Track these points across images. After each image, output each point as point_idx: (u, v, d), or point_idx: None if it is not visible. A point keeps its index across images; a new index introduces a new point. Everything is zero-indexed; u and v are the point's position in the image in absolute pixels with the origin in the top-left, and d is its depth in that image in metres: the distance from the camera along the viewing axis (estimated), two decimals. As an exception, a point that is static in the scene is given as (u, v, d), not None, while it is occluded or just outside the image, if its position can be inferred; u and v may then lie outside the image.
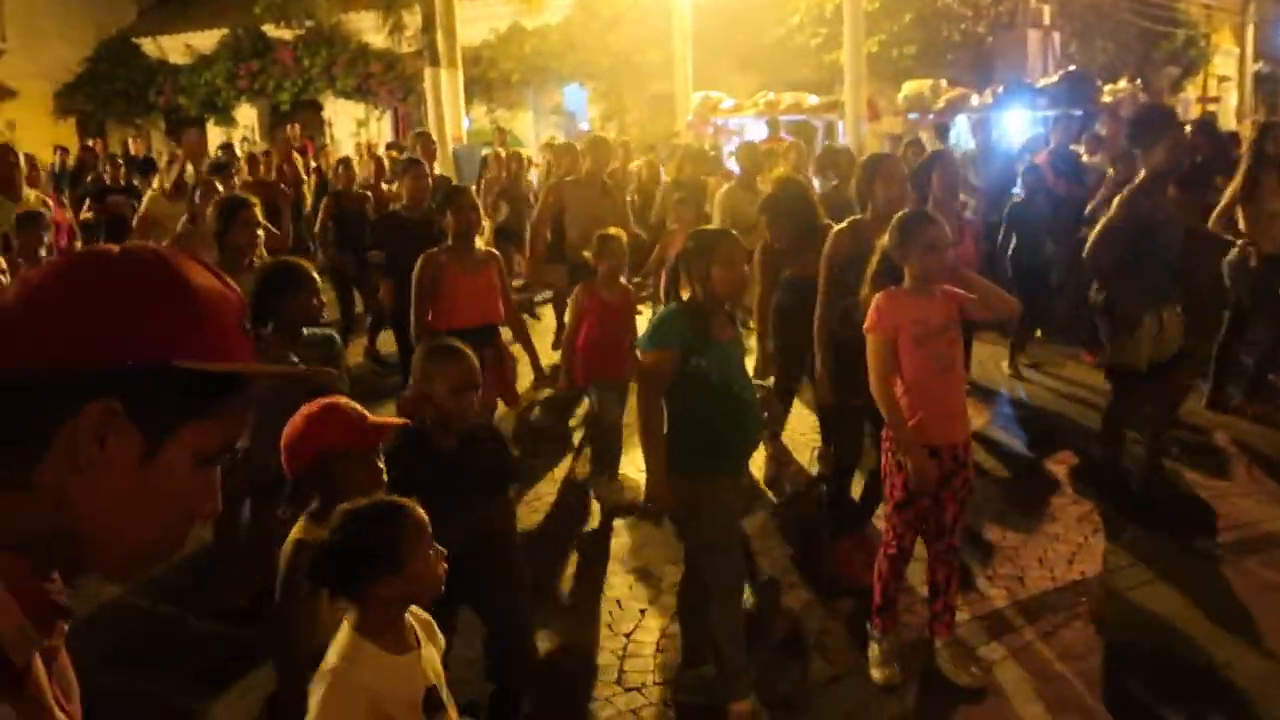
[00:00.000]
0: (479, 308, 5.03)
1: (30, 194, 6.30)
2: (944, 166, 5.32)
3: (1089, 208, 7.55)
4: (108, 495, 0.90)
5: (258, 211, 4.75)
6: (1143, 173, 5.20)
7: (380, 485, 2.50)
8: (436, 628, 2.15)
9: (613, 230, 5.44)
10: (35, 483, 0.88)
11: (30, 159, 7.24)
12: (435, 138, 15.35)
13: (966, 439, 3.79)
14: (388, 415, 2.88)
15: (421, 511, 2.04)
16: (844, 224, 4.73)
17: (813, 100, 13.70)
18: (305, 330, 3.88)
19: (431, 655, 2.07)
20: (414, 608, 2.08)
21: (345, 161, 9.60)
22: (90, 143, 16.10)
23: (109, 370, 0.89)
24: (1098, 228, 5.24)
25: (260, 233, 4.75)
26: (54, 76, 23.29)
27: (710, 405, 3.37)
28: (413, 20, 15.96)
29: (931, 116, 13.06)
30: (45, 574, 0.92)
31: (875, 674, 3.78)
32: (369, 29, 19.38)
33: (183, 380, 0.91)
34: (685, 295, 3.47)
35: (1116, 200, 5.25)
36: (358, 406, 2.52)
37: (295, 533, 2.48)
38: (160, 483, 0.93)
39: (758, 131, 14.08)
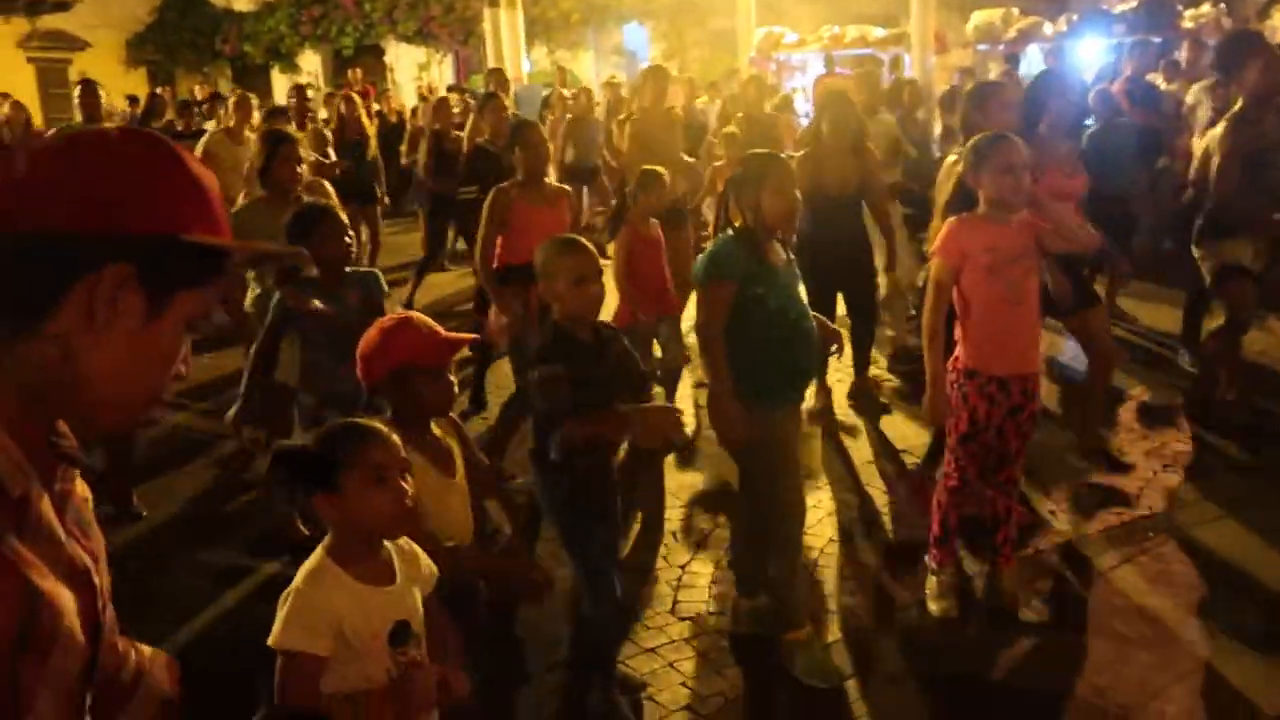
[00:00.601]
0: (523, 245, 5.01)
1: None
2: (1062, 89, 4.84)
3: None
4: (112, 350, 0.99)
5: (299, 147, 4.78)
6: (1240, 100, 5.00)
7: (452, 399, 2.57)
8: (424, 560, 2.14)
9: (659, 168, 5.37)
10: (45, 334, 0.96)
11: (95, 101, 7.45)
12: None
13: (1036, 372, 3.69)
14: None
15: (391, 441, 2.02)
16: None
17: (878, 33, 13.32)
18: (348, 269, 3.90)
19: (408, 589, 2.05)
20: (403, 541, 2.09)
21: (443, 102, 9.76)
22: (159, 90, 16.30)
23: (126, 237, 0.97)
24: (1215, 167, 5.02)
25: (303, 168, 4.75)
26: (124, 27, 23.59)
27: (768, 333, 3.30)
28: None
29: (1002, 47, 12.63)
30: (47, 421, 1.02)
31: (933, 607, 3.73)
32: (430, -29, 19.33)
33: (186, 252, 1.01)
34: (737, 223, 3.40)
35: (1220, 132, 5.03)
36: (430, 321, 2.56)
37: None
38: (155, 342, 1.03)
39: (820, 67, 13.79)
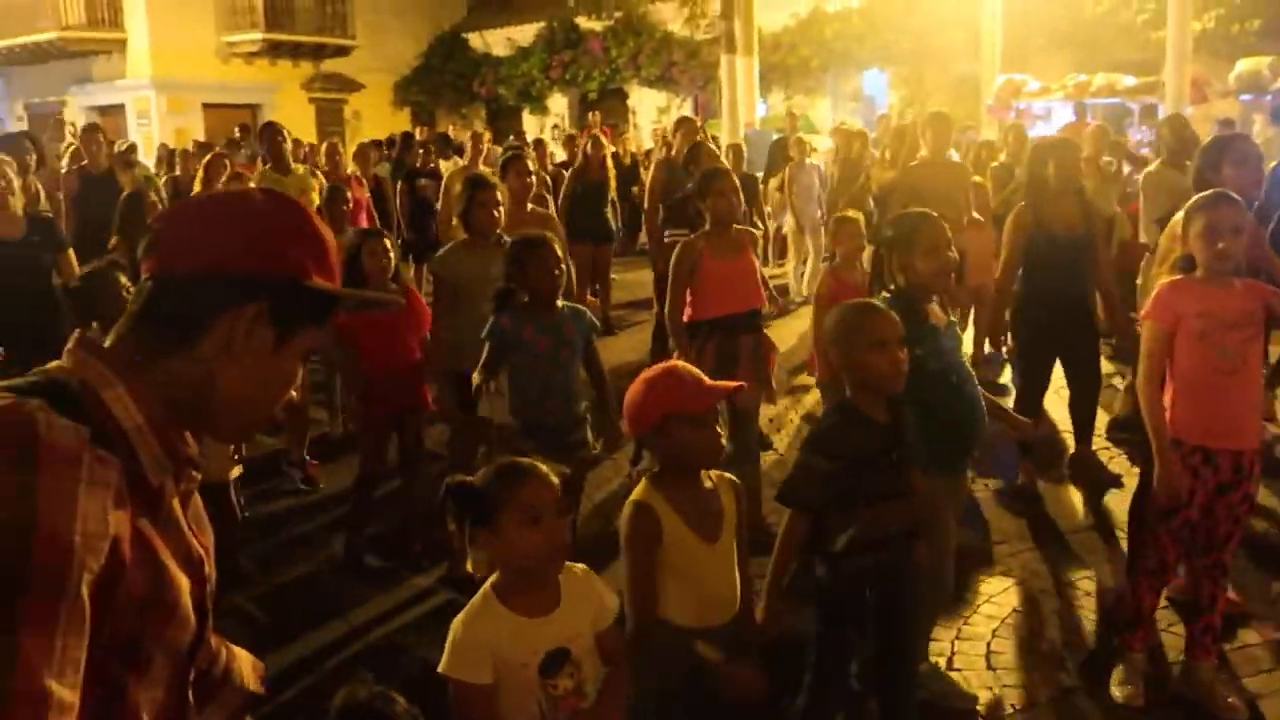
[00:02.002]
0: (740, 293, 4.87)
1: (298, 168, 7.16)
2: (1241, 149, 4.59)
3: None
4: (243, 372, 1.20)
5: (497, 194, 4.87)
6: None
7: (720, 448, 2.53)
8: (602, 592, 2.21)
9: (850, 212, 5.32)
10: (194, 355, 1.18)
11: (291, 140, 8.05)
12: (728, 123, 15.66)
13: (1253, 449, 3.42)
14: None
15: (548, 483, 2.09)
16: None
17: (1128, 81, 12.64)
18: (560, 303, 4.03)
19: (570, 618, 2.11)
20: (579, 568, 2.18)
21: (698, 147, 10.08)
22: (416, 130, 17.59)
23: (262, 280, 1.20)
24: None
25: (498, 213, 4.81)
26: (394, 70, 25.64)
27: (927, 397, 3.08)
28: (712, 8, 16.27)
29: (1269, 98, 11.70)
30: (182, 429, 1.21)
31: (1116, 692, 3.50)
32: (673, 19, 19.90)
33: (307, 295, 1.23)
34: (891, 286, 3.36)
35: None
36: (694, 370, 2.59)
37: (637, 494, 2.54)
38: (278, 368, 1.24)
39: (1064, 116, 13.22)
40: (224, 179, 6.99)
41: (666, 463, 2.51)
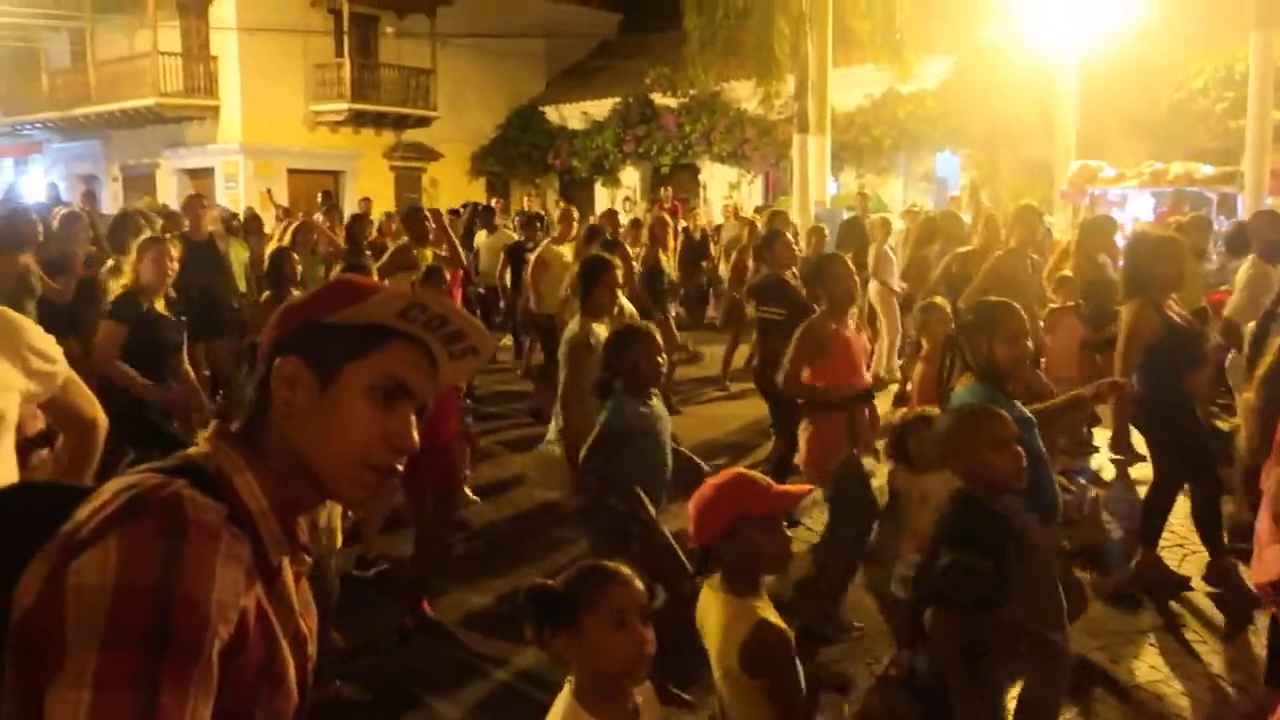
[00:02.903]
0: (860, 367, 5.03)
1: (427, 252, 7.40)
2: None
3: None
4: (306, 424, 1.26)
5: (618, 274, 5.02)
6: None
7: (789, 552, 2.52)
8: (657, 699, 2.20)
9: (938, 300, 5.33)
10: (271, 425, 1.27)
11: (435, 213, 8.34)
12: (799, 200, 15.80)
13: None
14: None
15: (633, 585, 2.08)
16: None
17: (1205, 170, 12.50)
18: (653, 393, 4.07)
19: None
20: (648, 686, 2.14)
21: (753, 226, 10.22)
22: (493, 201, 18.04)
23: (280, 340, 1.29)
24: None
25: (619, 292, 4.96)
26: (472, 141, 26.35)
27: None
28: (786, 89, 16.52)
29: (1356, 190, 11.49)
30: (295, 507, 1.28)
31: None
32: (746, 97, 20.21)
33: (331, 332, 1.27)
34: (962, 377, 3.37)
35: None
36: (762, 476, 2.55)
37: (708, 600, 2.51)
38: (338, 411, 1.26)
39: (1141, 204, 13.09)
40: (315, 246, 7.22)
41: (736, 568, 2.46)
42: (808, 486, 2.64)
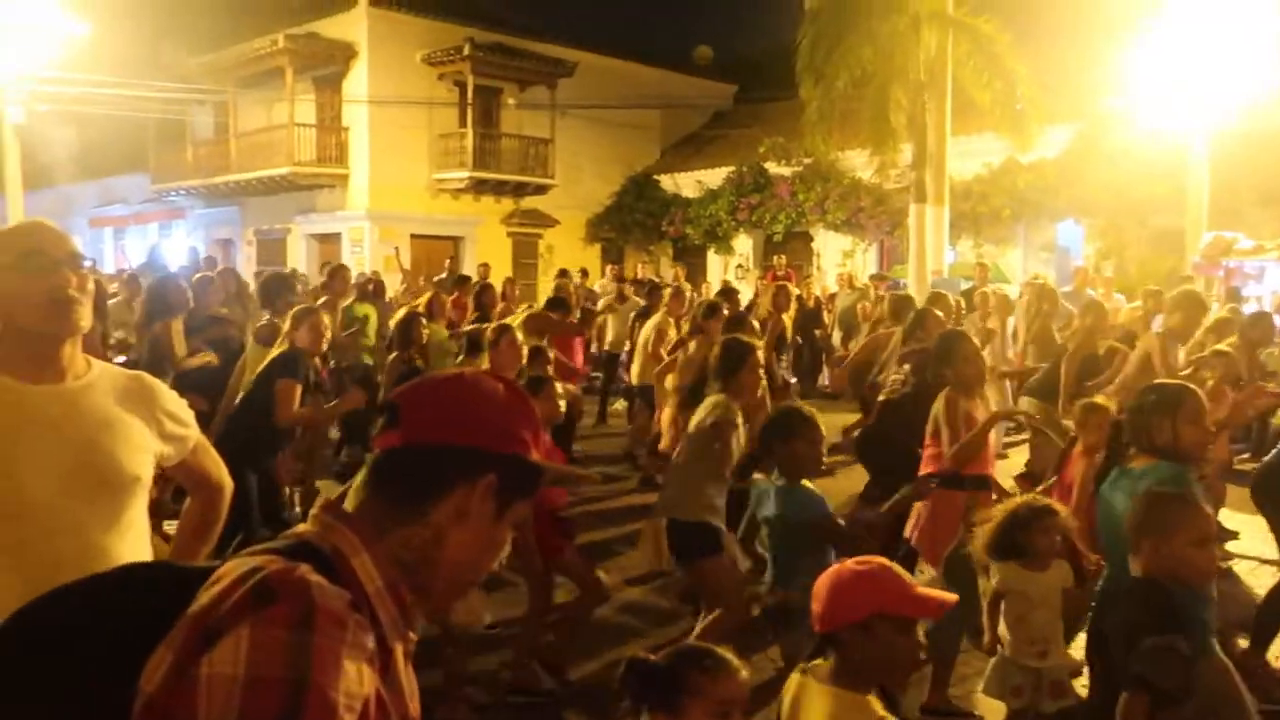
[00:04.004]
0: (988, 451, 4.85)
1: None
2: None
3: None
4: (466, 541, 1.30)
5: (760, 355, 4.99)
6: None
7: (918, 660, 2.40)
8: None
9: (1100, 399, 5.11)
10: (428, 523, 1.28)
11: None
12: (915, 270, 15.60)
13: None
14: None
15: (741, 677, 2.03)
16: None
17: (1351, 242, 11.94)
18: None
19: None
20: None
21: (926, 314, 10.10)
22: (606, 269, 18.36)
23: (498, 456, 1.32)
24: None
25: (761, 373, 4.93)
26: (588, 208, 26.85)
27: None
28: (902, 158, 16.42)
29: None
30: (408, 594, 1.28)
31: None
32: (861, 166, 20.17)
33: (526, 470, 1.34)
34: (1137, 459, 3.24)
35: None
36: (905, 572, 2.42)
37: (808, 690, 2.39)
38: (494, 538, 1.34)
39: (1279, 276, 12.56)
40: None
41: (859, 664, 2.31)
42: (953, 597, 2.45)
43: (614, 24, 35.35)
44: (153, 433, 2.30)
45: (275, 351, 5.59)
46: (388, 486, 1.29)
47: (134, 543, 2.26)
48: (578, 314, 9.96)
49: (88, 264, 2.24)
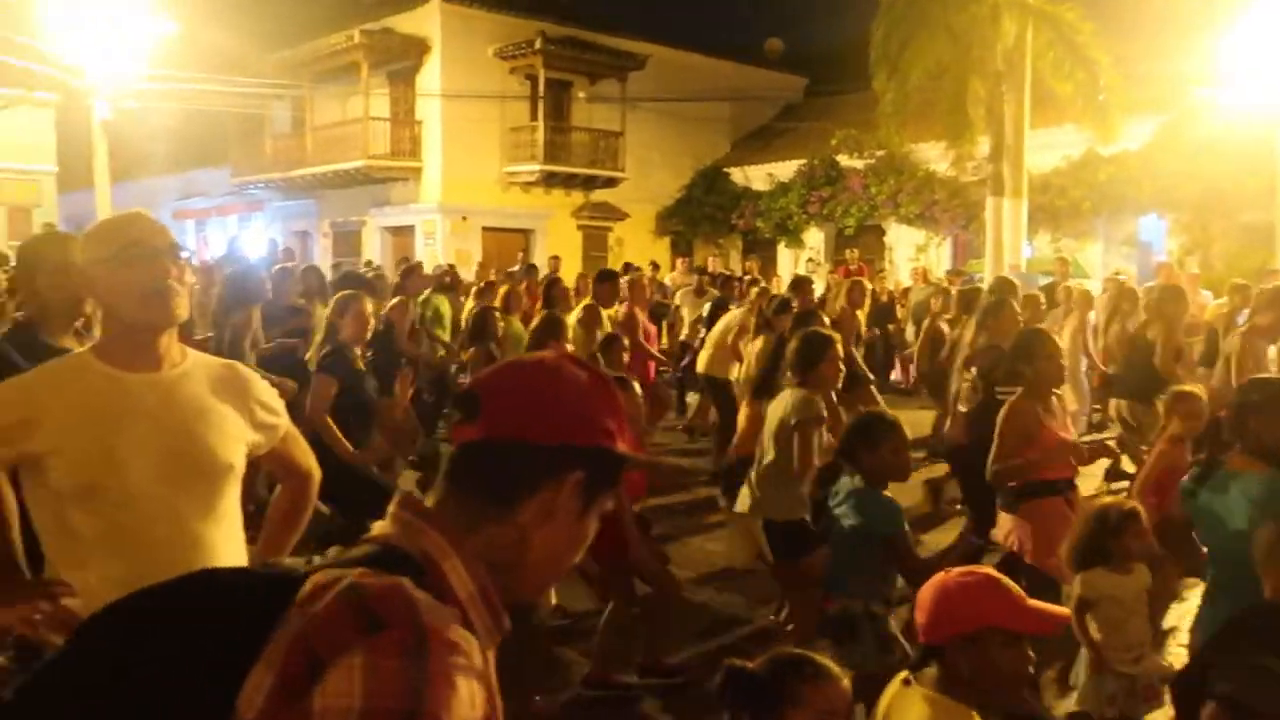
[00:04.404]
0: (1069, 459, 4.68)
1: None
2: None
3: None
4: (552, 538, 1.25)
5: (840, 348, 4.94)
6: None
7: (1026, 676, 2.34)
8: None
9: (1191, 386, 4.95)
10: (515, 521, 1.23)
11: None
12: (991, 265, 15.31)
13: None
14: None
15: (844, 685, 1.99)
16: None
17: None
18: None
19: None
20: None
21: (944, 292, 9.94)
22: (677, 262, 18.35)
23: (586, 450, 1.25)
24: None
25: (841, 366, 4.89)
26: (657, 201, 26.84)
27: None
28: (979, 150, 16.10)
29: None
30: (496, 594, 1.23)
31: None
32: (936, 158, 19.84)
33: (613, 461, 1.28)
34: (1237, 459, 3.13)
35: None
36: (1015, 585, 2.35)
37: (906, 698, 2.35)
38: (580, 534, 1.29)
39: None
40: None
41: (965, 677, 2.24)
42: (1065, 612, 2.39)
43: (685, 17, 35.18)
44: (246, 421, 2.32)
45: (317, 343, 5.60)
46: (470, 483, 1.24)
47: (228, 531, 2.29)
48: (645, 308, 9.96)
49: (185, 255, 2.26)
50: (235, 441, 2.29)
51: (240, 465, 2.32)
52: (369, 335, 5.58)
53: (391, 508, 1.24)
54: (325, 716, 1.02)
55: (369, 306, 5.56)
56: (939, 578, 2.34)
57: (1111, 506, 3.80)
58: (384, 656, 1.03)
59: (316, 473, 2.60)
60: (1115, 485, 7.90)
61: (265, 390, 2.42)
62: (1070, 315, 10.30)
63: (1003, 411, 4.70)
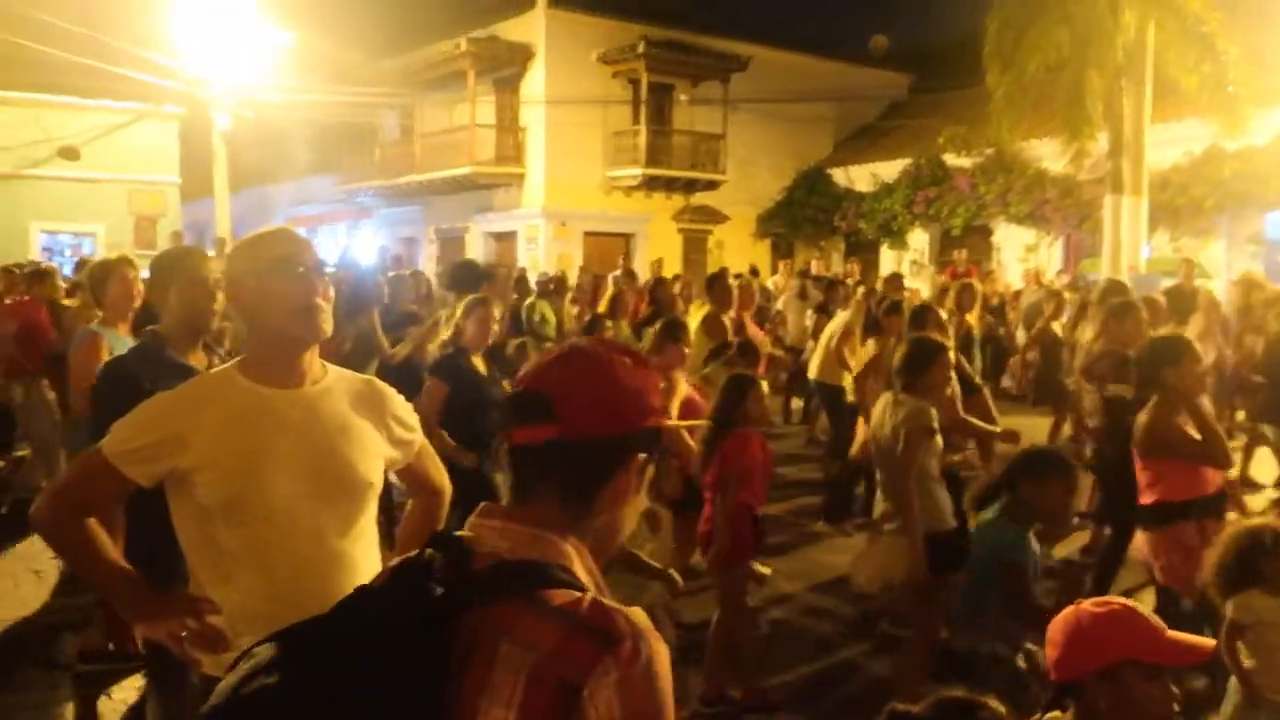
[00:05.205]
0: (1207, 472, 4.44)
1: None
2: None
3: None
4: (619, 514, 1.38)
5: (950, 356, 4.80)
6: None
7: (1171, 712, 2.20)
8: None
9: None
10: (596, 509, 1.35)
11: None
12: (1109, 265, 14.78)
13: None
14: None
15: None
16: None
17: None
18: None
19: None
20: None
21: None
22: (780, 265, 18.15)
23: (642, 433, 1.37)
24: None
25: (953, 374, 4.79)
26: (758, 204, 26.65)
27: None
28: (1097, 146, 15.54)
29: None
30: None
31: None
32: (1048, 156, 19.25)
33: (660, 435, 1.39)
34: None
35: None
36: (1153, 615, 2.25)
37: None
38: (635, 504, 1.41)
39: None
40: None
41: (1104, 716, 2.15)
42: (1210, 642, 2.25)
43: (788, 17, 34.93)
44: (383, 438, 2.33)
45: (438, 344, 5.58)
46: (554, 482, 1.32)
47: (366, 547, 2.30)
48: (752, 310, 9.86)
49: (328, 270, 2.29)
50: (375, 458, 2.30)
51: (379, 482, 2.33)
52: (490, 341, 5.53)
53: (476, 518, 1.34)
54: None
55: (495, 311, 5.52)
56: (1071, 610, 2.24)
57: (1266, 527, 3.60)
58: (630, 669, 1.18)
59: (448, 488, 2.59)
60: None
61: (401, 406, 2.41)
62: (1197, 319, 9.85)
63: (1145, 425, 4.45)
